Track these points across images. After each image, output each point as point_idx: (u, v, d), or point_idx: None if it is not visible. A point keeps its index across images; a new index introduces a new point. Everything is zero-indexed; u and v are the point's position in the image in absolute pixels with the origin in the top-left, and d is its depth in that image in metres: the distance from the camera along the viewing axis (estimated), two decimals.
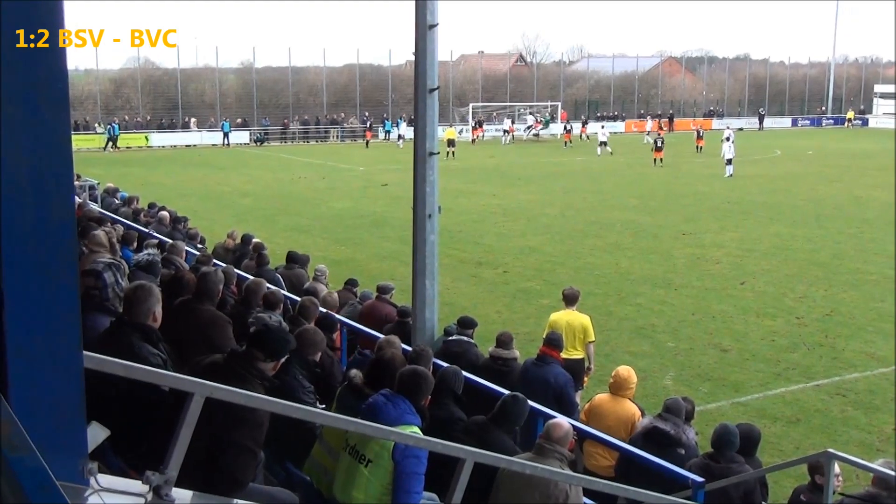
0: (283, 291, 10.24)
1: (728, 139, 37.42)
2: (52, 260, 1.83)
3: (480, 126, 59.24)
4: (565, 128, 56.96)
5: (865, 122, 76.19)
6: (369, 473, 4.68)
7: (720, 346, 13.51)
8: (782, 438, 10.03)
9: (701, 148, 47.45)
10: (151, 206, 18.56)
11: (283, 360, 4.70)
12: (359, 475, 4.72)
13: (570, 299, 10.57)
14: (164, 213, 16.17)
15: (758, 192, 31.40)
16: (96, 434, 2.67)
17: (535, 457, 5.32)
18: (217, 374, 3.98)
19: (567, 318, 10.25)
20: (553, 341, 8.77)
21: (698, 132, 50.10)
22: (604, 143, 47.61)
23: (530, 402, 7.04)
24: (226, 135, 55.35)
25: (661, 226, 24.25)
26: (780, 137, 60.16)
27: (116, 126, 52.54)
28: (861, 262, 19.54)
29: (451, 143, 45.59)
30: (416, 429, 4.73)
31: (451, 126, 51.02)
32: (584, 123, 59.88)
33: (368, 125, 57.39)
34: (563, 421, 5.79)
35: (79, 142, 48.04)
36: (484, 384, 7.63)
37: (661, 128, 54.53)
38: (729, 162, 36.13)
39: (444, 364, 8.35)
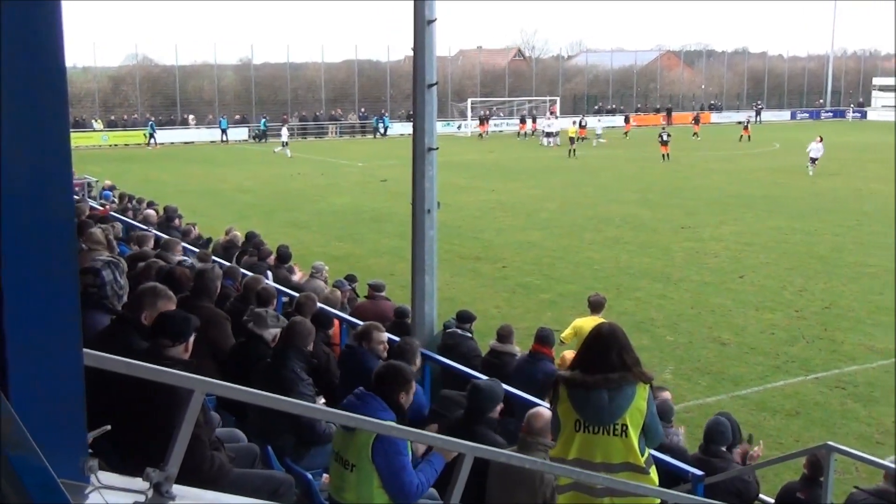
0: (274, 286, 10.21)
1: (819, 139, 36.18)
2: (52, 258, 1.83)
3: (486, 121, 58.94)
4: (580, 124, 51.09)
5: (864, 115, 76.14)
6: (356, 478, 4.71)
7: (719, 340, 13.52)
8: (782, 431, 10.04)
9: (696, 134, 51.87)
10: (151, 203, 18.57)
11: (191, 339, 4.70)
12: (347, 480, 4.77)
13: (595, 306, 10.37)
14: (150, 212, 16.18)
15: (757, 186, 31.39)
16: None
17: (520, 451, 5.19)
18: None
19: (593, 325, 9.87)
20: (543, 338, 8.50)
21: (695, 118, 55.36)
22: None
23: (527, 396, 7.03)
24: (223, 132, 55.37)
25: (661, 220, 24.24)
26: (778, 130, 60.10)
27: (153, 123, 53.35)
28: (860, 254, 19.54)
29: (571, 140, 45.21)
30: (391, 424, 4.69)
31: (573, 124, 49.68)
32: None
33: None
34: (542, 410, 5.63)
35: (77, 139, 48.14)
36: (471, 374, 7.58)
37: (668, 122, 56.08)
38: (814, 161, 34.96)
39: (441, 358, 8.35)
